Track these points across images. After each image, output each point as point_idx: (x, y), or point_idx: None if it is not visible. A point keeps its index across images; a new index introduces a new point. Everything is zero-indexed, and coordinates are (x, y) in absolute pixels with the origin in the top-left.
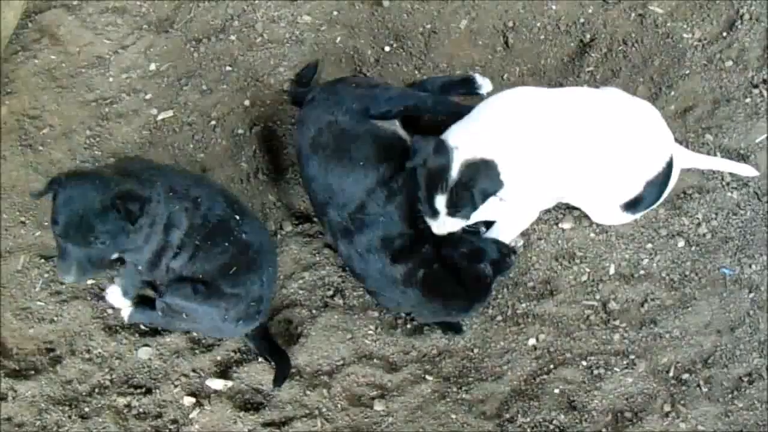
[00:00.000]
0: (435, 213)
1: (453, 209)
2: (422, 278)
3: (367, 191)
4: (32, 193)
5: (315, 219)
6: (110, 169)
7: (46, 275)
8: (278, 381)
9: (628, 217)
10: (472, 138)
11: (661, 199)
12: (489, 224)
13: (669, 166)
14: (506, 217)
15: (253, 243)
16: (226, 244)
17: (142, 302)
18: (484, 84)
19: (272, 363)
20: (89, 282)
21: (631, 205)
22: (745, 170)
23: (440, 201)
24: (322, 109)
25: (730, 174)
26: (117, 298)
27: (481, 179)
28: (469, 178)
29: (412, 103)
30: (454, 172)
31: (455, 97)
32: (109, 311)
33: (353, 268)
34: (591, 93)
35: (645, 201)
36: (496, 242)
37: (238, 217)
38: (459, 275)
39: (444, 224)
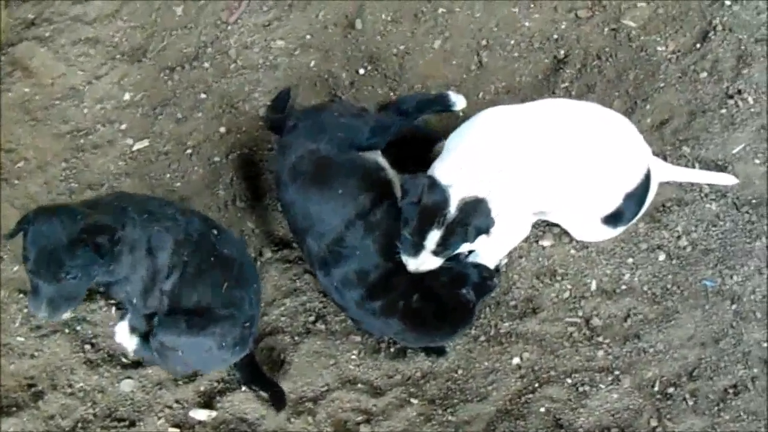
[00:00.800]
0: (418, 250)
1: (443, 246)
2: (402, 310)
3: (346, 223)
4: (5, 234)
5: (294, 245)
6: (80, 203)
7: (25, 310)
8: (279, 405)
9: (610, 232)
10: (463, 174)
11: (641, 213)
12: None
13: (647, 178)
14: (491, 243)
15: (236, 257)
16: (212, 258)
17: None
18: (458, 101)
19: (258, 391)
20: (66, 316)
21: (612, 219)
22: (724, 179)
23: (432, 238)
24: (304, 136)
25: (709, 186)
26: (125, 335)
27: (477, 217)
28: (466, 216)
29: (393, 131)
30: (452, 209)
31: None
32: (87, 346)
33: (333, 298)
34: (564, 105)
35: (625, 214)
36: (477, 266)
37: (215, 232)
38: (441, 303)
39: (424, 262)
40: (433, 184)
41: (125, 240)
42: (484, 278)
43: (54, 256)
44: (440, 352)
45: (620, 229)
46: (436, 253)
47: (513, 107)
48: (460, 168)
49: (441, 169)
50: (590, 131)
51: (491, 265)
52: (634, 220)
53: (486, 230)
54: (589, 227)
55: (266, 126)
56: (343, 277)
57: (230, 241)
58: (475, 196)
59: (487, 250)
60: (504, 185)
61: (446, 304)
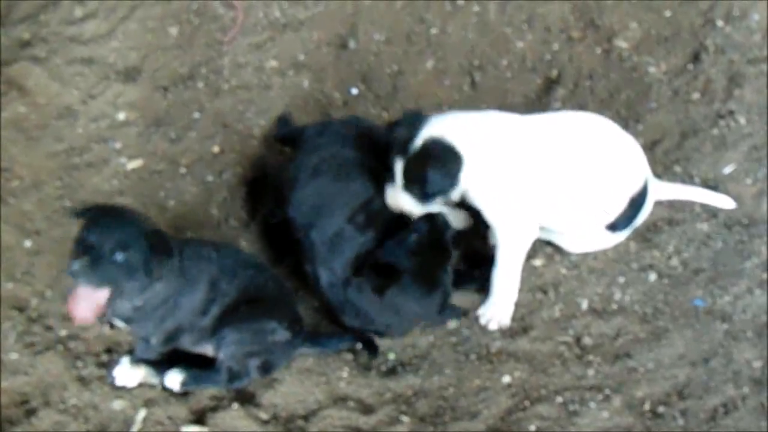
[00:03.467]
0: (392, 180)
1: (407, 181)
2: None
3: (349, 217)
4: (72, 212)
5: (286, 262)
6: None
7: (19, 327)
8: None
9: (609, 239)
10: (442, 121)
11: (638, 222)
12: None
13: (647, 185)
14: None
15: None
16: (249, 271)
17: (189, 365)
18: None
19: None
20: (63, 333)
21: (615, 224)
22: (723, 202)
23: (398, 166)
24: (332, 141)
25: (700, 206)
26: (126, 375)
27: (439, 163)
28: (426, 156)
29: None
30: (418, 141)
31: None
32: (80, 363)
33: (330, 295)
34: (558, 117)
35: (628, 218)
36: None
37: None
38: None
39: (397, 196)
40: (416, 119)
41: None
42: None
43: (119, 234)
44: (450, 313)
45: (618, 236)
46: (404, 186)
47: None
48: (445, 119)
49: (436, 123)
50: (591, 137)
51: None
52: (630, 230)
53: (441, 186)
54: (590, 235)
55: (277, 138)
56: (344, 265)
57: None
58: (450, 143)
59: (503, 255)
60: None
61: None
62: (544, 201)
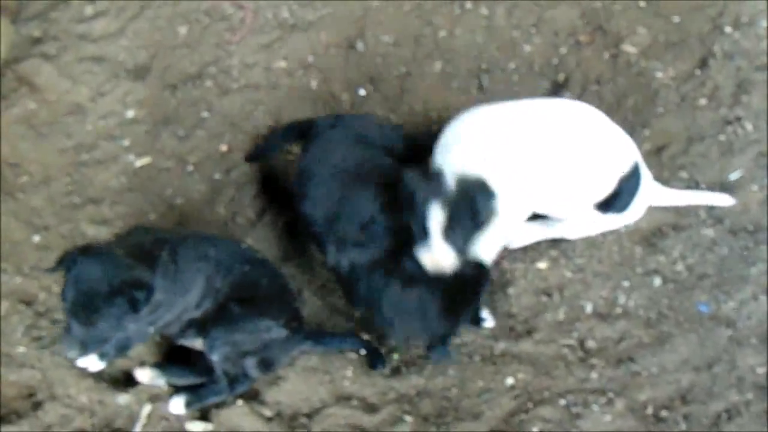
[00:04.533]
0: (427, 239)
1: (452, 229)
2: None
3: (381, 206)
4: (46, 269)
5: (293, 262)
6: (122, 245)
7: (27, 321)
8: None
9: (604, 220)
10: (458, 158)
11: (632, 210)
12: None
13: (638, 168)
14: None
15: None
16: (245, 267)
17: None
18: None
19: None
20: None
21: (606, 204)
22: (721, 200)
23: (435, 221)
24: (346, 138)
25: (705, 211)
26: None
27: (480, 192)
28: (467, 191)
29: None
30: (450, 187)
31: None
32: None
33: (352, 286)
34: (550, 102)
35: (620, 200)
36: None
37: (243, 246)
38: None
39: (437, 253)
40: (427, 169)
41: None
42: (483, 269)
43: (92, 302)
44: (444, 350)
45: (612, 218)
46: (446, 238)
47: (500, 105)
48: (453, 153)
49: (434, 156)
50: (577, 121)
51: (488, 252)
52: (627, 219)
53: (490, 204)
54: (584, 215)
55: (286, 132)
56: (371, 259)
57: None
58: (472, 174)
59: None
60: (498, 173)
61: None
62: (538, 182)
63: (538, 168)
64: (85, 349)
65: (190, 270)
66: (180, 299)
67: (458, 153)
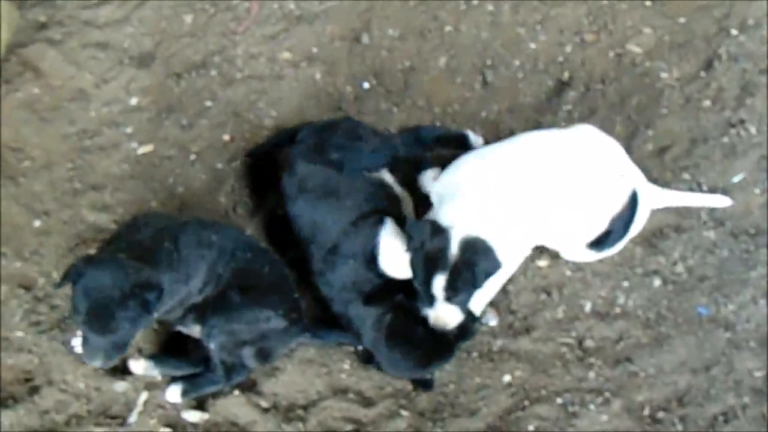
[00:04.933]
0: (431, 300)
1: (452, 291)
2: (389, 322)
3: (344, 231)
4: (54, 284)
5: (291, 254)
6: (122, 246)
7: (26, 306)
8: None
9: (597, 255)
10: (464, 215)
11: (627, 237)
12: None
13: (634, 199)
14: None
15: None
16: (249, 254)
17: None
18: (476, 142)
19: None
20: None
21: (597, 243)
22: (719, 201)
23: (438, 283)
24: (309, 155)
25: (707, 213)
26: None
27: (481, 256)
28: (469, 255)
29: (390, 155)
30: (453, 250)
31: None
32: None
33: (332, 307)
34: (546, 137)
35: (611, 237)
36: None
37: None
38: (424, 328)
39: (442, 314)
40: (435, 227)
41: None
42: (467, 321)
43: (107, 310)
44: (426, 384)
45: (607, 251)
46: (448, 299)
47: (495, 147)
48: (457, 209)
49: (440, 212)
50: (571, 161)
51: (481, 304)
52: (621, 244)
53: (493, 271)
54: (577, 252)
55: (285, 135)
56: (342, 284)
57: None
58: (476, 236)
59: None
60: (503, 225)
61: (429, 332)
62: (534, 228)
63: (534, 215)
64: (108, 357)
65: (193, 256)
66: (183, 287)
67: (458, 208)
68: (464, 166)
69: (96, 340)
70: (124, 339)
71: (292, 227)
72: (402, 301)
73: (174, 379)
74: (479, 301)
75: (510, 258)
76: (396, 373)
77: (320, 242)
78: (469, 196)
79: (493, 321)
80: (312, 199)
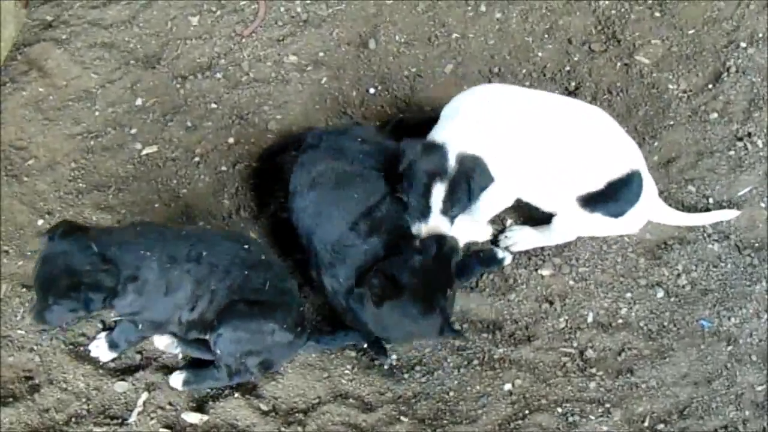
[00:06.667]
0: (427, 213)
1: (450, 203)
2: (376, 285)
3: (351, 224)
4: (39, 233)
5: (295, 257)
6: (103, 231)
7: (27, 304)
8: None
9: (587, 218)
10: (459, 134)
11: (623, 219)
12: None
13: (636, 177)
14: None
15: (272, 260)
16: (247, 272)
17: (192, 364)
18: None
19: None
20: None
21: (590, 201)
22: (724, 215)
23: (437, 196)
24: (326, 155)
25: (711, 226)
26: (102, 351)
27: (477, 171)
28: (466, 169)
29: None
30: (451, 165)
31: None
32: (87, 342)
33: (337, 303)
34: (564, 98)
35: (607, 204)
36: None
37: (246, 246)
38: (410, 274)
39: (437, 225)
40: (430, 144)
41: (139, 280)
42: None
43: (50, 288)
44: (451, 332)
45: (601, 221)
46: (444, 212)
47: (505, 86)
48: (454, 129)
49: (435, 131)
50: (580, 115)
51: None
52: (611, 221)
53: (486, 185)
54: (568, 207)
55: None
56: (347, 274)
57: (262, 248)
58: (472, 153)
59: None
60: (497, 147)
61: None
62: (528, 162)
63: (530, 148)
64: (39, 321)
65: (178, 270)
66: (166, 298)
67: (459, 128)
68: (470, 93)
69: (35, 303)
70: (53, 320)
71: (295, 224)
72: (381, 267)
73: (180, 367)
74: (474, 222)
75: (500, 191)
76: (409, 333)
77: (326, 235)
78: (468, 118)
79: (508, 259)
80: (322, 192)
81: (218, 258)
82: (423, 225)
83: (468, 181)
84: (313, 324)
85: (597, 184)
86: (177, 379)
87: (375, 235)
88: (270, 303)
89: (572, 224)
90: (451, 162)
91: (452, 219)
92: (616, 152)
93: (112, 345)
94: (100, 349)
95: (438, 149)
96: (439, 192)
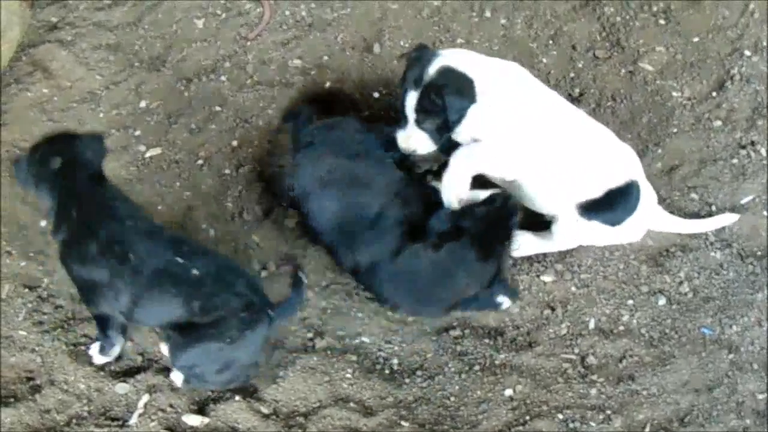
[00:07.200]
0: (404, 121)
1: (422, 115)
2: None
3: (383, 204)
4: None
5: (298, 260)
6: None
7: (29, 305)
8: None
9: (586, 225)
10: (461, 56)
11: (620, 229)
12: None
13: (634, 187)
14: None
15: (206, 271)
16: (175, 289)
17: None
18: None
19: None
20: (72, 313)
21: (588, 209)
22: (724, 220)
23: (410, 101)
24: (324, 152)
25: (714, 234)
26: (96, 355)
27: (455, 86)
28: (442, 81)
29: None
30: (431, 71)
31: None
32: (88, 343)
33: (376, 282)
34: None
35: (605, 212)
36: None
37: (179, 259)
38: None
39: (409, 136)
40: (422, 46)
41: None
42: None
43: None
44: (505, 287)
45: (600, 229)
46: (417, 122)
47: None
48: (459, 51)
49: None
50: (588, 125)
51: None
52: (609, 231)
53: (463, 105)
54: (567, 212)
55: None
56: (390, 249)
57: (200, 255)
58: (461, 70)
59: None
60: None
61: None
62: (522, 154)
63: (531, 130)
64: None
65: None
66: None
67: (457, 51)
68: (500, 61)
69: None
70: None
71: (315, 225)
72: (443, 212)
73: None
74: (460, 165)
75: (496, 148)
76: (460, 286)
77: (358, 223)
78: (477, 56)
79: (506, 304)
80: (339, 190)
81: (144, 264)
82: (399, 133)
83: (440, 92)
84: (315, 329)
85: (595, 192)
86: (178, 377)
87: (412, 204)
88: (201, 324)
89: (571, 231)
90: (431, 71)
91: (432, 135)
92: (615, 161)
93: (101, 349)
94: (94, 350)
95: (424, 57)
96: (411, 99)
